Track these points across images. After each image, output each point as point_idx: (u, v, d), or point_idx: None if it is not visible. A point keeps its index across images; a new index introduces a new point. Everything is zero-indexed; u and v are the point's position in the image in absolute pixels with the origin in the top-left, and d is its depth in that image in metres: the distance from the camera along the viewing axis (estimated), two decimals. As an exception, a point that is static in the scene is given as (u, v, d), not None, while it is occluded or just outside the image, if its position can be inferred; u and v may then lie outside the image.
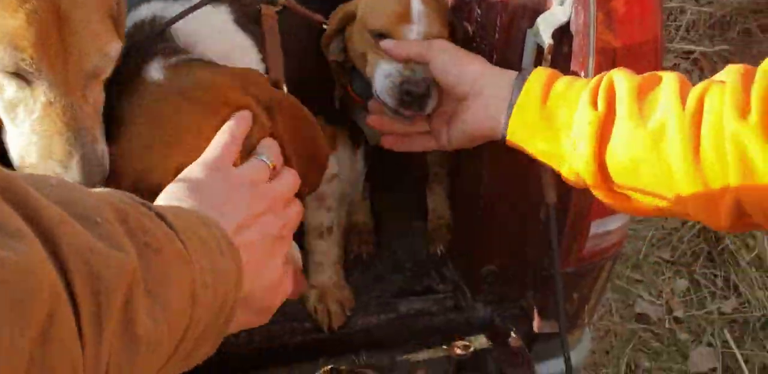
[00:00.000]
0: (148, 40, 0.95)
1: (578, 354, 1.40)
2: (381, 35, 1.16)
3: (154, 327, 0.48)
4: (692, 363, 2.69)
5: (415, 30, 1.15)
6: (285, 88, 1.05)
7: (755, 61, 0.76)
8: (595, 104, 0.84)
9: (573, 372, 1.41)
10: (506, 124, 0.96)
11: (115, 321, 0.45)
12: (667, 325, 2.78)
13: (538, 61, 1.07)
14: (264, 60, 1.07)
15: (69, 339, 0.42)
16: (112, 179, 0.81)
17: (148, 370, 0.50)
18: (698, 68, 3.75)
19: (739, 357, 2.62)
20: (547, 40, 1.04)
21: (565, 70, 1.02)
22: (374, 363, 1.14)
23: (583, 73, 1.01)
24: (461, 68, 1.03)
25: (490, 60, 1.10)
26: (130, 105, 0.85)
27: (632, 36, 0.99)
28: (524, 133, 0.93)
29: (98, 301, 0.44)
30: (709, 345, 2.67)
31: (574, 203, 1.13)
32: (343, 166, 1.33)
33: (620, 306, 2.93)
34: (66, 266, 0.43)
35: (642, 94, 0.81)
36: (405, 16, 1.16)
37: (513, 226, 1.24)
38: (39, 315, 0.39)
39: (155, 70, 0.87)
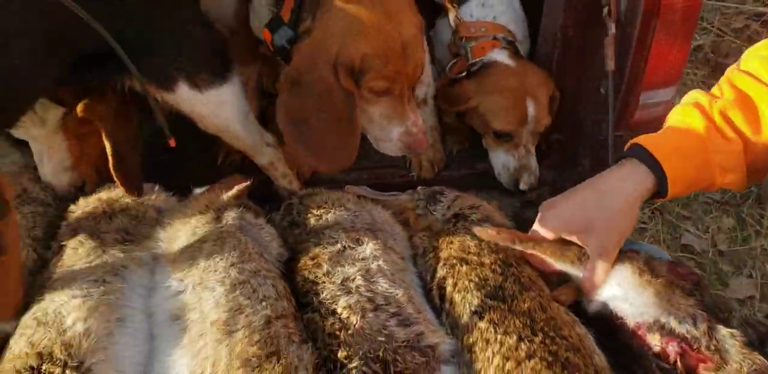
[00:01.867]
0: None
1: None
2: (502, 134, 1.53)
3: None
4: (732, 289, 2.88)
5: (528, 129, 1.52)
6: None
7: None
8: (726, 138, 1.03)
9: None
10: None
11: None
12: (710, 256, 2.99)
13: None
14: None
15: None
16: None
17: None
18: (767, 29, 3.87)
19: (780, 289, 2.80)
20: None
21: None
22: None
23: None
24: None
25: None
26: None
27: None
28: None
29: None
30: (750, 276, 2.87)
31: (628, 73, 1.42)
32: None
33: (668, 238, 3.14)
34: None
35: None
36: (523, 121, 1.51)
37: (577, 98, 1.54)
38: None
39: None
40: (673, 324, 1.02)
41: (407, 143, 1.30)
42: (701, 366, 0.98)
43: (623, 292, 1.07)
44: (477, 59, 1.57)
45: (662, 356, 1.02)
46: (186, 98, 1.27)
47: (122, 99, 1.27)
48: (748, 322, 1.07)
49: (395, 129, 1.29)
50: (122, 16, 1.14)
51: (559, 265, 1.15)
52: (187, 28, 1.21)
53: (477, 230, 1.21)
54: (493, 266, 1.14)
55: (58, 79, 1.14)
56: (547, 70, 1.57)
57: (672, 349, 1.01)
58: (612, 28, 1.39)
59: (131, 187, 1.27)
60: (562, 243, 1.16)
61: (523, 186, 1.48)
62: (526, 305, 1.07)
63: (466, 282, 1.12)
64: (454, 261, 1.17)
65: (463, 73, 1.58)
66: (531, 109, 1.50)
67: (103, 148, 1.32)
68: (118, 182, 1.28)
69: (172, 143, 1.19)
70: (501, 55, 1.57)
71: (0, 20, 0.98)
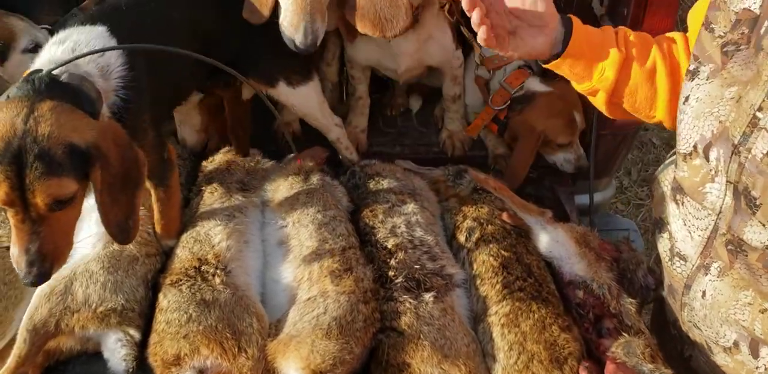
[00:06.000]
0: None
1: (604, 195, 2.18)
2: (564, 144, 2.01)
3: None
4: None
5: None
6: None
7: None
8: (620, 49, 1.34)
9: (597, 205, 2.19)
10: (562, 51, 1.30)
11: None
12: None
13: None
14: None
15: None
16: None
17: None
18: None
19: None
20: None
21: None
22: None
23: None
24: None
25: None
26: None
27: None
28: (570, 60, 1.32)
29: None
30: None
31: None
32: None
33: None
34: None
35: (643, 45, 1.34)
36: (576, 130, 2.00)
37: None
38: None
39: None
40: (594, 287, 1.46)
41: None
42: (606, 319, 1.43)
43: (567, 256, 1.52)
44: (516, 88, 1.99)
45: (581, 306, 1.46)
46: (283, 92, 1.78)
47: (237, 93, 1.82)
48: (650, 270, 1.56)
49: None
50: (244, 39, 1.65)
51: (522, 214, 1.62)
52: (286, 46, 1.68)
53: (472, 173, 1.67)
54: (510, 231, 1.62)
55: (204, 80, 1.68)
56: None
57: (589, 303, 1.45)
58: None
59: (241, 150, 1.79)
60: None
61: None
62: (527, 260, 1.54)
63: (490, 236, 1.59)
64: (483, 220, 1.64)
65: (507, 103, 2.01)
66: (578, 118, 1.96)
67: (223, 120, 1.86)
68: (234, 145, 1.81)
69: None
70: (536, 84, 1.99)
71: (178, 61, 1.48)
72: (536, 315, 1.41)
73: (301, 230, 1.57)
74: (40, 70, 1.24)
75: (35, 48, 1.60)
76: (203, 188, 1.71)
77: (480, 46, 2.05)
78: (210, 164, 1.81)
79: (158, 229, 1.56)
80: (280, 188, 1.72)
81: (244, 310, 1.38)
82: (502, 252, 1.56)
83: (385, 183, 1.77)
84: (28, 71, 1.28)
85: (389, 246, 1.57)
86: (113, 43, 1.34)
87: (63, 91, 1.20)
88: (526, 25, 1.29)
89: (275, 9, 1.60)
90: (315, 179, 1.73)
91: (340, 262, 1.48)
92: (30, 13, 1.71)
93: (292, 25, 1.56)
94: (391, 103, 2.28)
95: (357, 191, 1.80)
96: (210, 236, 1.53)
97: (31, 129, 1.12)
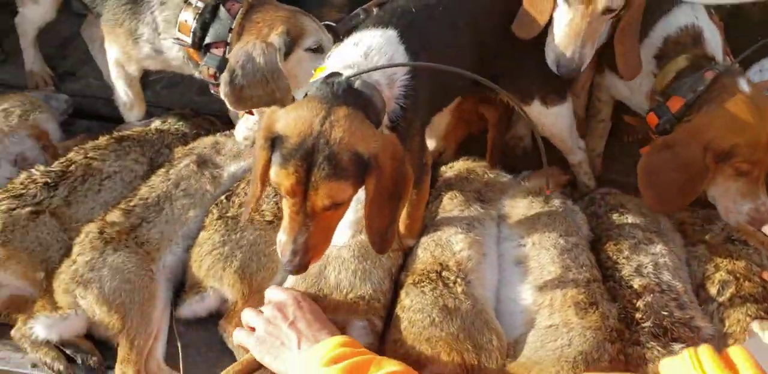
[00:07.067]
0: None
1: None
2: None
3: None
4: None
5: None
6: None
7: None
8: None
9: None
10: None
11: None
12: None
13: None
14: None
15: None
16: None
17: None
18: None
19: None
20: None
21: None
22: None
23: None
24: None
25: None
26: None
27: None
28: None
29: None
30: None
31: None
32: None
33: None
34: None
35: None
36: None
37: None
38: None
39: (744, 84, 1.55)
40: None
41: (755, 218, 1.59)
42: None
43: None
44: None
45: None
46: (537, 110, 1.74)
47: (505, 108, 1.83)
48: None
49: (747, 205, 1.59)
50: (512, 54, 1.63)
51: None
52: (547, 66, 1.63)
53: (739, 223, 1.55)
54: (770, 292, 1.47)
55: (467, 90, 1.71)
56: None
57: None
58: None
59: (493, 162, 1.81)
60: None
61: None
62: (788, 323, 1.40)
63: (747, 295, 1.45)
64: (739, 275, 1.49)
65: None
66: None
67: (463, 130, 1.87)
68: (489, 159, 1.86)
69: None
70: None
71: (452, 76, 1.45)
72: (804, 393, 1.26)
73: (542, 253, 1.52)
74: (340, 74, 1.27)
75: (317, 49, 1.69)
76: (442, 193, 1.72)
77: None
78: (449, 171, 1.82)
79: (402, 228, 1.59)
80: (519, 205, 1.68)
81: (484, 324, 1.36)
82: (761, 314, 1.41)
83: (629, 217, 1.67)
84: (318, 70, 1.33)
85: (635, 286, 1.47)
86: (402, 49, 1.37)
87: (356, 98, 1.24)
88: None
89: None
90: (557, 201, 1.68)
91: (586, 294, 1.41)
92: (316, 10, 1.81)
93: (561, 46, 1.55)
94: (628, 129, 2.16)
95: (596, 220, 1.71)
96: (451, 242, 1.52)
97: (326, 131, 1.17)
